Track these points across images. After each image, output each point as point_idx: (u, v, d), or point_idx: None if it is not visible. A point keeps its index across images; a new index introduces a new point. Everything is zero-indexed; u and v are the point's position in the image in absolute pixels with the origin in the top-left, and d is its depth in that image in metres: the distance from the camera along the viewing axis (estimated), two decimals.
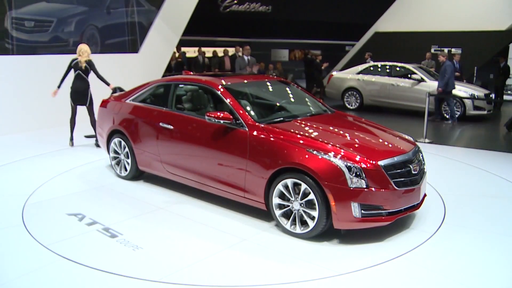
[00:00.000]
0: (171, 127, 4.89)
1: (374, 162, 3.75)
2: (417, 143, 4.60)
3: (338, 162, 3.69)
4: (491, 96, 10.87)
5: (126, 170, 5.56)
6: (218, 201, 4.73)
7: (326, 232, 3.86)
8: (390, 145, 4.21)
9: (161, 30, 11.58)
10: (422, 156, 4.42)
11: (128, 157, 5.47)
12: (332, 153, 3.77)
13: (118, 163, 5.68)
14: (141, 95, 5.53)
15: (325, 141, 3.95)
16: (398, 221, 4.01)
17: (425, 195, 4.38)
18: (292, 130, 4.15)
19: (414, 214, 4.38)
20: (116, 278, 3.26)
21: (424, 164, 4.37)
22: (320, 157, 3.76)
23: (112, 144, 5.68)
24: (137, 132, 5.28)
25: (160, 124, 4.99)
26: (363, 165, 3.70)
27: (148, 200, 4.90)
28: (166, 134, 4.94)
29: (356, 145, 4.03)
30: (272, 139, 4.06)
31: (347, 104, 12.60)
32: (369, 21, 16.76)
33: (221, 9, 20.71)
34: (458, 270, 3.42)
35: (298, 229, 3.89)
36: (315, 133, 4.18)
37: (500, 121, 11.06)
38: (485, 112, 10.61)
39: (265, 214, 4.27)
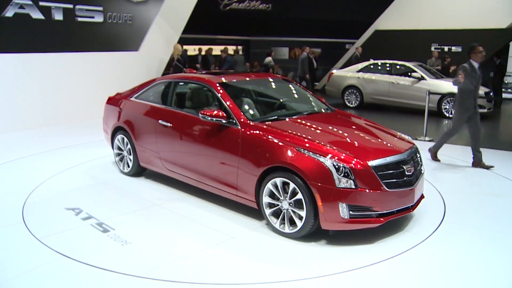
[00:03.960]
0: (170, 124, 4.92)
1: (363, 162, 3.69)
2: (416, 142, 4.51)
3: (326, 162, 3.65)
4: (491, 94, 10.83)
5: (128, 166, 5.63)
6: (214, 199, 4.75)
7: (316, 233, 3.84)
8: (384, 145, 4.13)
9: (161, 28, 11.59)
10: (419, 156, 4.30)
11: (130, 154, 5.54)
12: (322, 152, 3.73)
13: (121, 160, 5.75)
14: (143, 92, 5.60)
15: (316, 140, 3.91)
16: (397, 221, 3.96)
17: (422, 196, 4.29)
18: (283, 129, 4.12)
19: (414, 213, 4.28)
20: (99, 272, 3.30)
21: (421, 165, 4.26)
22: (308, 156, 3.72)
23: (116, 141, 5.76)
24: (138, 129, 5.34)
25: (160, 121, 5.03)
26: (352, 165, 3.64)
27: (146, 196, 4.95)
28: (165, 132, 4.98)
29: (348, 145, 3.98)
30: (263, 137, 4.06)
31: (347, 102, 12.58)
32: (369, 19, 16.68)
33: (221, 7, 20.66)
34: (458, 269, 3.40)
35: (287, 229, 3.88)
36: (307, 132, 4.13)
37: (500, 119, 11.03)
38: (485, 111, 10.56)
39: (258, 213, 4.27)
